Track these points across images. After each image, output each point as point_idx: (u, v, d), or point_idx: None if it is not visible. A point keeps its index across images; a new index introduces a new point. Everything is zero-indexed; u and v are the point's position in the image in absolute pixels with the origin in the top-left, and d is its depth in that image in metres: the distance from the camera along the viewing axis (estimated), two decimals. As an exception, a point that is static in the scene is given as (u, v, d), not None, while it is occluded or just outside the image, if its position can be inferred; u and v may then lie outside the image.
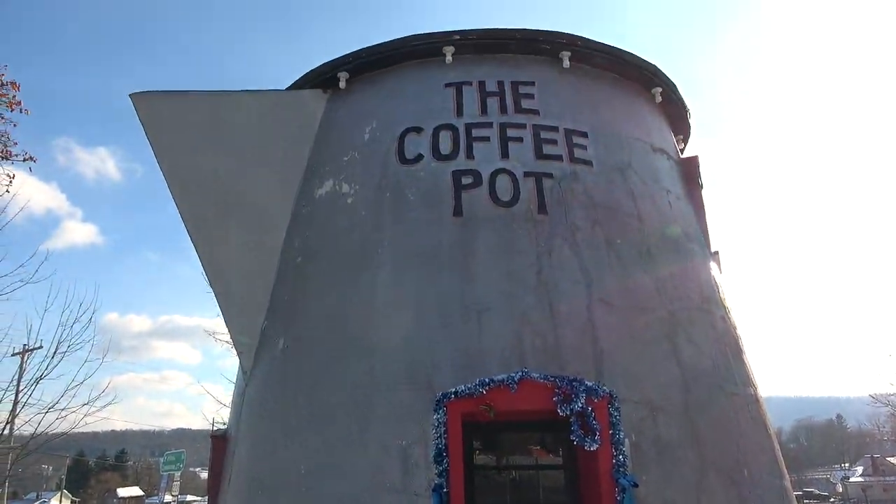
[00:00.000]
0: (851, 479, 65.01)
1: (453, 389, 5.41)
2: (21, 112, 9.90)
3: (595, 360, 5.82)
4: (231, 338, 7.62)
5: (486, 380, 5.36)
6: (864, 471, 65.80)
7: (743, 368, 6.95)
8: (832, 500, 57.84)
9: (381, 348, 6.06)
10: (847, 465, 79.54)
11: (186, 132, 7.43)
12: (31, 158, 10.32)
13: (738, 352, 7.04)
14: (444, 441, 5.22)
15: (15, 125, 10.02)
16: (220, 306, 7.49)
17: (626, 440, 5.44)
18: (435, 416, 5.38)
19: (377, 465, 5.55)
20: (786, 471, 6.91)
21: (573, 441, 5.18)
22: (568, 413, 5.22)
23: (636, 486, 5.15)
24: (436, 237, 6.49)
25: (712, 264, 7.68)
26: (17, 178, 10.19)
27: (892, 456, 61.14)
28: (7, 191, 10.61)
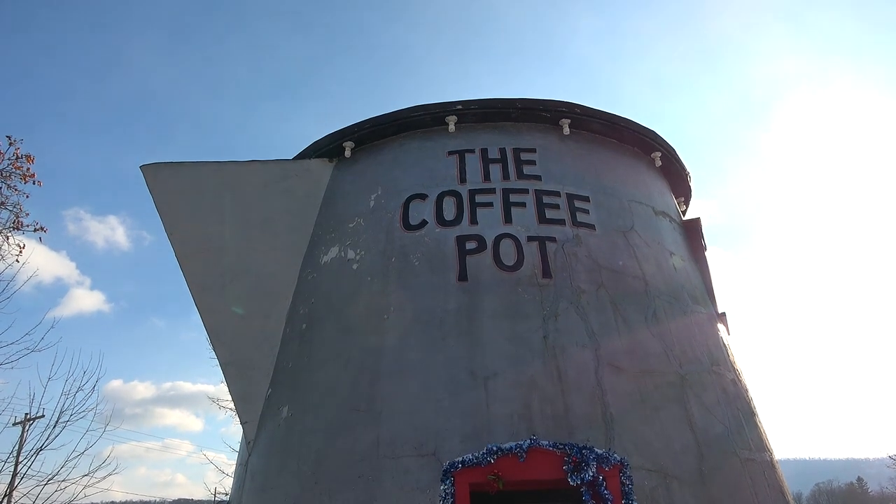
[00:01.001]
0: (878, 547, 62.15)
1: (460, 459, 5.29)
2: (34, 184, 10.14)
3: (605, 425, 5.71)
4: (235, 407, 7.53)
5: (494, 448, 5.25)
6: (890, 537, 63.05)
7: (756, 432, 6.80)
8: (859, 569, 55.21)
9: (387, 416, 5.96)
10: (872, 531, 76.33)
11: (194, 201, 7.58)
12: (41, 229, 10.48)
13: (750, 415, 6.90)
14: (451, 512, 5.07)
15: (27, 196, 10.24)
16: (224, 374, 7.46)
17: (640, 511, 5.27)
18: (442, 487, 5.25)
19: (383, 539, 5.37)
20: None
21: (585, 512, 5.02)
22: (579, 482, 5.08)
23: (652, 560, 4.96)
24: (441, 302, 6.49)
25: (720, 325, 7.62)
26: (27, 248, 10.35)
27: (919, 521, 58.79)
28: (17, 260, 10.74)
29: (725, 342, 7.46)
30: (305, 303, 7.37)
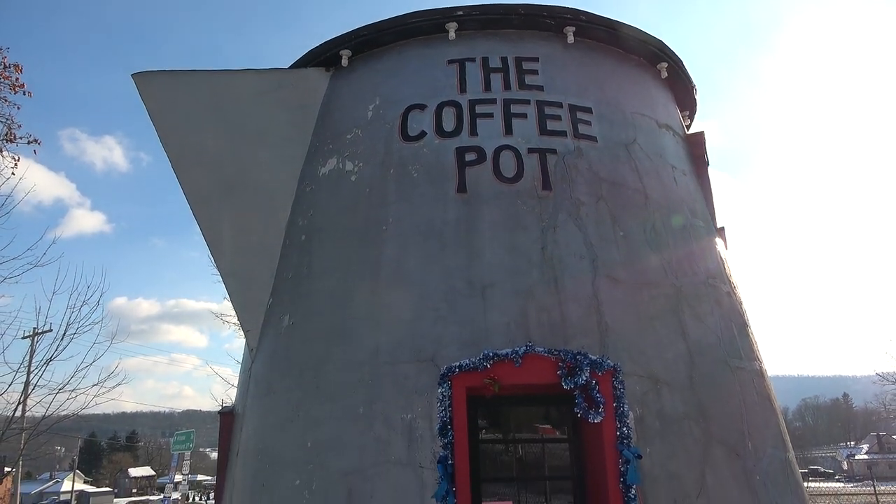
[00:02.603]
0: (857, 457, 65.24)
1: (458, 363, 5.44)
2: (24, 94, 9.91)
3: (600, 334, 5.84)
4: (237, 316, 7.67)
5: (491, 354, 5.38)
6: (869, 448, 66.08)
7: (748, 343, 6.96)
8: (837, 477, 58.06)
9: (386, 325, 6.09)
10: (853, 443, 79.80)
11: (189, 111, 7.42)
12: (35, 141, 10.35)
13: (743, 327, 7.04)
14: (448, 414, 5.26)
15: (18, 108, 10.04)
16: (225, 284, 7.55)
17: (630, 413, 5.47)
18: (440, 390, 5.42)
19: (383, 439, 5.60)
20: (790, 444, 6.94)
21: (577, 414, 5.21)
22: (572, 386, 5.25)
23: (640, 457, 5.19)
24: (440, 214, 6.48)
25: (718, 240, 7.65)
26: (25, 167, 10.26)
27: (899, 434, 61.22)
28: (13, 173, 10.66)
29: (722, 256, 7.51)
30: (304, 215, 7.36)
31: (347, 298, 6.45)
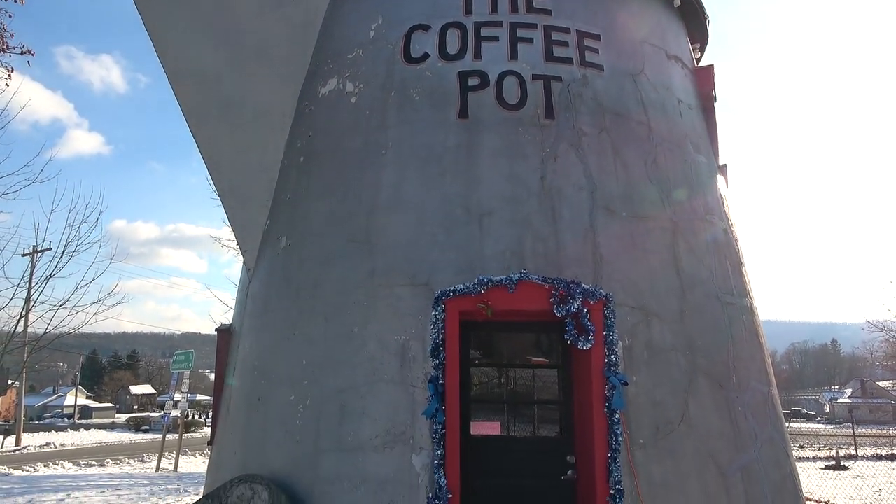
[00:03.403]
0: (840, 401, 67.14)
1: (452, 288, 5.50)
2: (15, 1, 9.60)
3: (594, 265, 5.88)
4: (235, 235, 7.70)
5: (485, 279, 5.44)
6: (852, 393, 67.94)
7: (741, 281, 7.03)
8: (818, 419, 59.86)
9: (383, 248, 6.11)
10: (837, 387, 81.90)
11: (187, 26, 7.20)
12: (29, 52, 10.11)
13: (737, 265, 7.09)
14: (441, 336, 5.36)
15: (10, 15, 9.75)
16: (223, 204, 7.53)
17: (620, 342, 5.58)
18: (433, 313, 5.50)
19: (376, 358, 5.73)
20: (774, 380, 7.12)
21: (567, 341, 5.31)
22: (564, 314, 5.33)
23: (626, 384, 5.33)
24: (440, 139, 6.40)
25: (719, 177, 7.60)
26: (19, 81, 10.07)
27: (882, 380, 62.79)
28: (6, 85, 10.46)
29: (722, 193, 7.48)
30: (303, 136, 7.26)
31: (345, 221, 6.46)
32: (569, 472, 5.61)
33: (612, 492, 5.07)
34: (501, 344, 6.24)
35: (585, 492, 5.41)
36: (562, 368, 5.97)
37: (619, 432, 5.22)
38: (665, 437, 5.58)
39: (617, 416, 5.24)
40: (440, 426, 5.20)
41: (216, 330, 7.97)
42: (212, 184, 7.41)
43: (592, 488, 5.20)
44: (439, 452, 5.15)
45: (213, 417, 7.73)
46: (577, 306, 5.29)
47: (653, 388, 5.69)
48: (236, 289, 8.80)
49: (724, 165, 7.79)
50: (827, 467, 19.83)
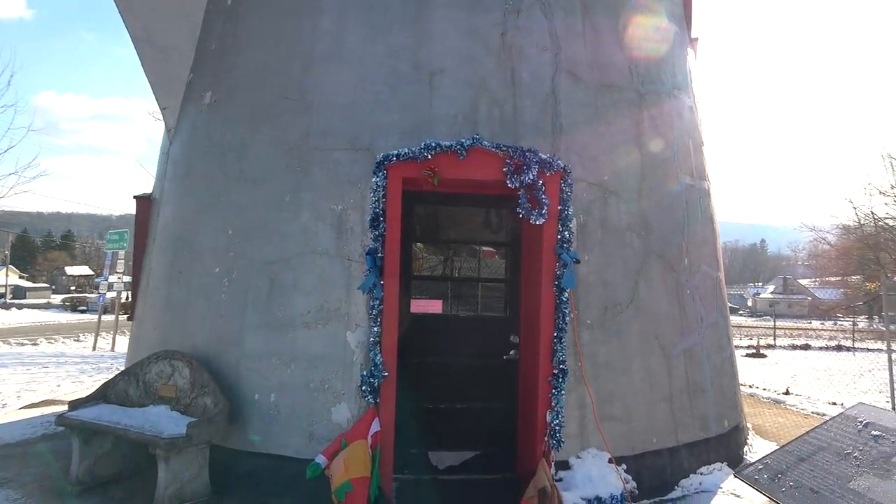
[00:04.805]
0: (762, 296, 71.51)
1: (395, 152, 4.91)
2: None
3: (553, 135, 5.36)
4: (152, 90, 6.78)
5: (433, 144, 4.86)
6: (775, 289, 72.35)
7: (701, 162, 6.69)
8: (741, 312, 63.71)
9: (319, 106, 5.41)
10: (761, 284, 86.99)
11: None
12: None
13: (699, 145, 6.72)
14: (381, 205, 4.84)
15: None
16: (137, 52, 6.55)
17: (574, 219, 5.20)
18: (374, 179, 4.94)
19: (309, 229, 5.20)
20: (722, 265, 7.00)
21: (520, 214, 4.88)
22: (517, 185, 4.85)
23: (578, 262, 5.00)
24: (387, -17, 5.55)
25: (690, 51, 7.05)
26: None
27: (804, 278, 66.79)
28: None
29: (691, 67, 6.96)
30: (229, -27, 6.24)
31: (277, 75, 5.67)
32: (511, 352, 5.38)
33: (556, 371, 4.86)
34: (449, 218, 5.78)
35: (527, 371, 5.21)
36: (511, 246, 5.59)
37: (566, 312, 4.95)
38: (613, 319, 5.37)
39: (566, 295, 4.94)
40: (377, 302, 4.79)
41: (134, 197, 7.22)
42: (124, 22, 6.37)
43: (535, 368, 4.99)
44: (375, 329, 4.78)
45: (133, 291, 7.15)
46: (532, 177, 4.81)
47: (604, 268, 5.40)
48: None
49: (696, 39, 7.23)
50: (748, 355, 21.03)
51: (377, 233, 4.85)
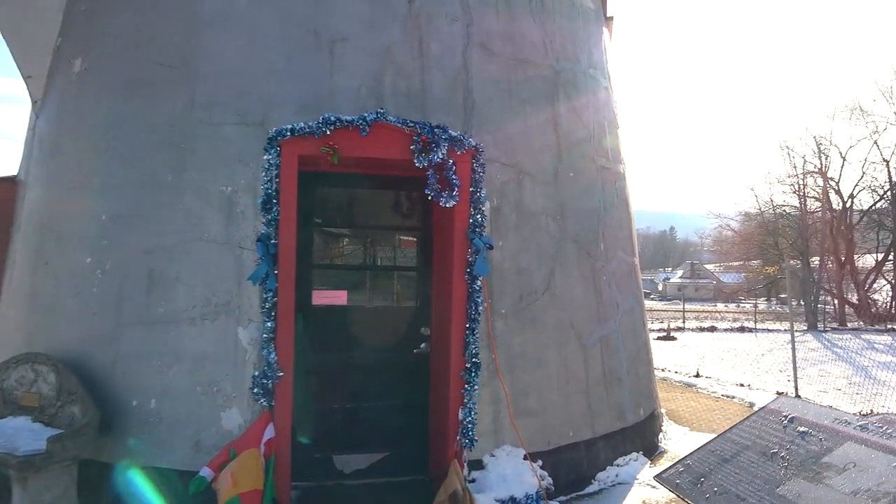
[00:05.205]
0: (671, 280, 74.94)
1: (290, 126, 4.41)
2: None
3: (465, 112, 5.01)
4: (13, 57, 5.92)
5: (332, 118, 4.39)
6: (683, 274, 75.99)
7: (616, 144, 6.54)
8: (652, 296, 66.44)
9: (205, 76, 4.82)
10: (670, 269, 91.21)
11: None
12: None
13: (614, 126, 6.57)
14: (274, 186, 4.34)
15: None
16: (-8, 14, 5.68)
17: (487, 202, 4.88)
18: (266, 157, 4.42)
19: (194, 213, 4.62)
20: (637, 250, 6.91)
21: (429, 196, 4.50)
22: (426, 165, 4.47)
23: (491, 247, 4.69)
24: (283, -60, 5.00)
25: (605, 30, 6.88)
26: None
27: (709, 263, 70.44)
28: None
29: (606, 47, 6.80)
30: (100, -77, 5.49)
31: (156, 39, 5.01)
32: (422, 345, 5.03)
33: (468, 365, 4.54)
34: (354, 202, 5.34)
35: (439, 365, 4.87)
36: (422, 231, 5.22)
37: (479, 301, 4.63)
38: (528, 307, 5.11)
39: (479, 283, 4.62)
40: (271, 294, 4.30)
41: (-6, 179, 6.31)
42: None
43: (446, 362, 4.65)
44: (269, 324, 4.29)
45: (-6, 286, 6.29)
46: (441, 155, 4.44)
47: (519, 254, 5.12)
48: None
49: (612, 18, 7.06)
50: (659, 338, 21.69)
51: (270, 217, 4.34)
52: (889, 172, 31.42)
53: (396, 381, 5.05)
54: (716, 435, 3.85)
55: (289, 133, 4.37)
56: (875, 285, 32.39)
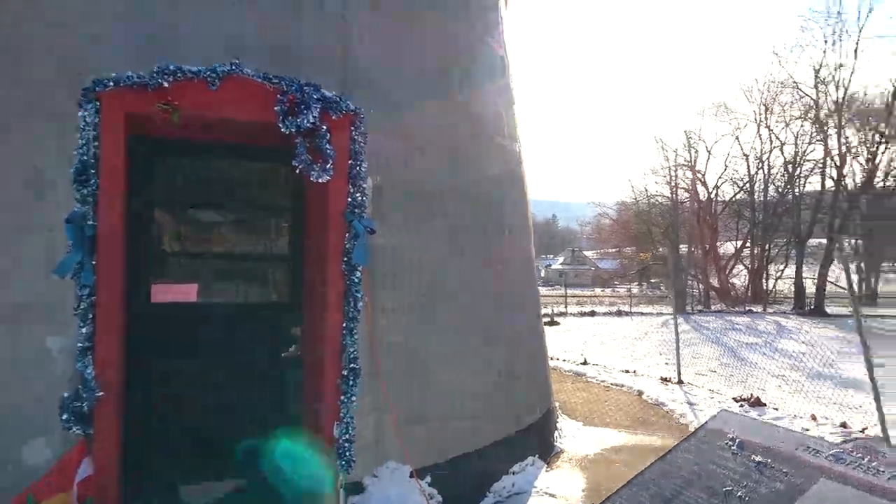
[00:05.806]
0: (553, 267, 77.71)
1: (115, 76, 3.43)
2: None
3: (345, 73, 4.25)
4: None
5: (172, 67, 3.46)
6: (564, 260, 79.03)
7: (513, 122, 6.02)
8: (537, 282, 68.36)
9: (17, 18, 3.72)
10: (552, 256, 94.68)
11: None
12: None
13: (510, 102, 6.04)
14: (92, 151, 3.35)
15: None
16: None
17: (369, 179, 4.16)
18: (81, 114, 3.41)
19: (-13, 185, 3.55)
20: (532, 234, 6.48)
21: (297, 169, 3.70)
22: (294, 130, 3.65)
23: (373, 231, 3.95)
24: None
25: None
26: None
27: (589, 250, 73.68)
28: None
29: (503, 18, 6.25)
30: None
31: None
32: (291, 348, 4.24)
33: (345, 372, 3.81)
34: (207, 176, 4.41)
35: (312, 371, 4.10)
36: (291, 212, 4.40)
37: (359, 295, 3.89)
38: (418, 302, 4.46)
39: (358, 274, 3.88)
40: (87, 290, 3.33)
41: None
42: None
43: (320, 368, 3.89)
44: (84, 330, 3.32)
45: None
46: (312, 119, 3.64)
47: (407, 241, 4.46)
48: None
49: (507, -14, 6.53)
50: (545, 324, 22.00)
51: (86, 191, 3.35)
52: (748, 166, 34.05)
53: (260, 392, 4.22)
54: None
55: (111, 83, 3.39)
56: (734, 270, 35.06)
